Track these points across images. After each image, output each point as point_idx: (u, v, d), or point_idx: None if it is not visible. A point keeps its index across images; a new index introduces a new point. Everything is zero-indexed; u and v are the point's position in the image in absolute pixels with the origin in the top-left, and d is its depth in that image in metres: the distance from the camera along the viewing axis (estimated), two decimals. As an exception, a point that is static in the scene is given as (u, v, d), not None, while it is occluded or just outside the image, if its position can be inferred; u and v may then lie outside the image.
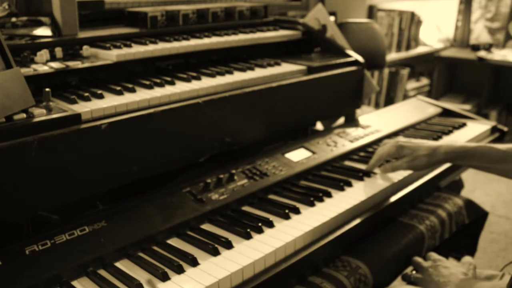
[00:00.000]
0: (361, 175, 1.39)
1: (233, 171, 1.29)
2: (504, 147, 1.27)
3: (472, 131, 1.81)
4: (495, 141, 1.87)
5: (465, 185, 2.08)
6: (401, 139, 1.40)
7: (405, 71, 3.72)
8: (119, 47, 1.34)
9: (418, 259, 1.31)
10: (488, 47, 4.13)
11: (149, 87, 1.28)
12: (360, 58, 1.74)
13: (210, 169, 1.31)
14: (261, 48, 1.68)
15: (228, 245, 1.04)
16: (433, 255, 1.31)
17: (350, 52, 1.77)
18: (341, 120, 1.89)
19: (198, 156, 1.32)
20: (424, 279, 1.25)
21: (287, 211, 1.17)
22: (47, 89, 1.07)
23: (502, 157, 1.26)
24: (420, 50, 3.94)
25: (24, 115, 0.99)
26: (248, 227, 1.10)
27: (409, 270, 1.32)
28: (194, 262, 0.98)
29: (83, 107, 1.10)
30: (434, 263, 1.26)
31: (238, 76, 1.43)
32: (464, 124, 1.88)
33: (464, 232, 1.67)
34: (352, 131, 1.68)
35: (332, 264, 1.21)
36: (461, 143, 1.33)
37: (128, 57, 1.31)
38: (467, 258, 1.29)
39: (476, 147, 1.29)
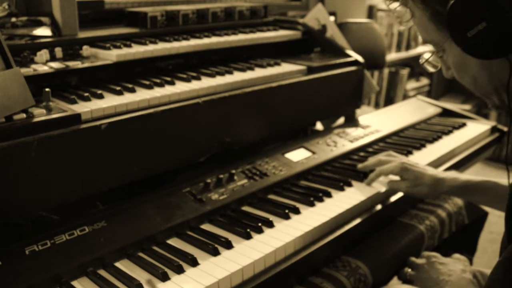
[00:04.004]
0: (361, 175, 1.38)
1: (233, 171, 1.29)
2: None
3: (472, 131, 1.81)
4: (495, 140, 1.87)
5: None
6: (406, 160, 1.34)
7: (405, 71, 3.72)
8: (119, 47, 1.34)
9: (413, 259, 1.31)
10: (488, 47, 4.13)
11: (149, 87, 1.27)
12: (360, 58, 1.74)
13: (210, 169, 1.31)
14: (261, 48, 1.68)
15: (228, 245, 1.04)
16: (426, 252, 1.31)
17: (350, 52, 1.77)
18: (341, 120, 1.89)
19: (198, 156, 1.32)
20: (420, 276, 1.25)
21: (287, 211, 1.17)
22: (47, 89, 1.07)
23: (507, 194, 1.22)
24: (420, 50, 3.93)
25: (24, 115, 0.99)
26: (248, 227, 1.10)
27: (405, 269, 1.32)
28: (194, 262, 0.98)
29: (83, 107, 1.10)
30: (428, 259, 1.27)
31: (238, 76, 1.43)
32: (464, 124, 1.88)
33: (464, 232, 1.67)
34: (352, 131, 1.68)
35: (332, 264, 1.22)
36: (466, 176, 1.28)
37: (128, 57, 1.31)
38: (456, 255, 1.29)
39: (480, 182, 1.25)
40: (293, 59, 1.66)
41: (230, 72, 1.45)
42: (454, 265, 1.23)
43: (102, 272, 0.96)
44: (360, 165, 1.40)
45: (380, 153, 1.44)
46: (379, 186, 1.34)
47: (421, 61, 1.02)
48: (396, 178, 1.34)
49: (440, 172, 1.31)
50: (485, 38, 0.79)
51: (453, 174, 1.30)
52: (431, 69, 1.03)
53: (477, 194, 1.26)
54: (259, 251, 1.02)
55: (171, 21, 1.54)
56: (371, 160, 1.39)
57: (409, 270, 1.30)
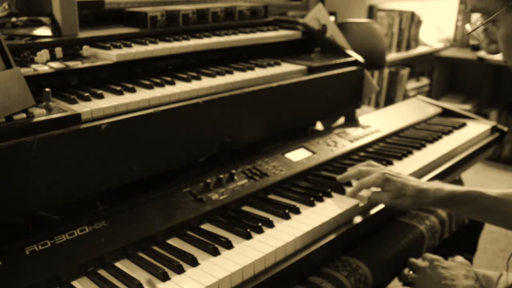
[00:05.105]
0: (361, 175, 1.38)
1: (233, 171, 1.29)
2: (495, 193, 1.18)
3: (472, 131, 1.81)
4: (495, 140, 1.87)
5: (465, 185, 2.08)
6: (387, 170, 1.26)
7: (405, 71, 3.72)
8: (119, 47, 1.34)
9: (414, 260, 1.31)
10: (488, 47, 4.13)
11: (149, 87, 1.27)
12: (360, 58, 1.74)
13: (210, 169, 1.31)
14: (261, 48, 1.68)
15: (228, 245, 1.04)
16: (429, 255, 1.30)
17: (350, 52, 1.77)
18: (341, 120, 1.89)
19: (198, 156, 1.32)
20: (422, 279, 1.25)
21: (287, 211, 1.17)
22: (47, 89, 1.07)
23: (493, 204, 1.17)
24: (420, 50, 3.93)
25: (24, 115, 0.99)
26: (248, 227, 1.10)
27: (406, 270, 1.32)
28: (194, 262, 0.98)
29: (83, 107, 1.10)
30: (430, 263, 1.26)
31: (238, 76, 1.43)
32: (464, 124, 1.88)
33: (464, 232, 1.68)
34: (352, 131, 1.68)
35: (332, 264, 1.22)
36: (450, 187, 1.21)
37: (128, 57, 1.31)
38: (458, 258, 1.29)
39: (466, 192, 1.19)
40: (293, 59, 1.66)
41: (230, 72, 1.45)
42: (456, 269, 1.22)
43: (102, 272, 0.96)
44: (339, 177, 1.32)
45: (359, 163, 1.35)
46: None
47: (466, 31, 0.93)
48: (377, 189, 1.27)
49: (423, 182, 1.24)
50: None
51: (437, 184, 1.23)
52: (474, 42, 0.96)
53: (462, 205, 1.20)
54: (259, 251, 1.02)
55: (171, 21, 1.54)
56: (351, 171, 1.31)
57: (411, 272, 1.29)
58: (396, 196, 1.21)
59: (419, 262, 1.30)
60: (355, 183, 1.30)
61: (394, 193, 1.21)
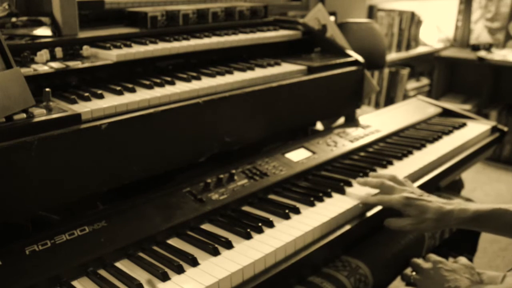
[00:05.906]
0: (361, 175, 1.38)
1: (233, 171, 1.29)
2: None
3: (472, 131, 1.81)
4: (495, 140, 1.87)
5: (465, 185, 2.08)
6: (409, 194, 1.22)
7: (405, 71, 3.72)
8: (119, 47, 1.34)
9: (418, 261, 1.31)
10: (488, 47, 4.13)
11: (149, 87, 1.27)
12: (360, 58, 1.74)
13: (210, 169, 1.31)
14: (261, 48, 1.68)
15: (228, 245, 1.04)
16: (433, 256, 1.30)
17: (350, 52, 1.77)
18: (341, 120, 1.89)
19: (198, 156, 1.32)
20: (424, 281, 1.24)
21: (287, 211, 1.17)
22: (47, 89, 1.07)
23: None
24: (420, 50, 3.94)
25: (24, 115, 0.99)
26: (248, 227, 1.10)
27: (408, 270, 1.32)
28: (194, 262, 0.98)
29: (83, 107, 1.10)
30: (434, 264, 1.26)
31: (238, 76, 1.43)
32: (464, 124, 1.88)
33: (465, 232, 1.68)
34: (352, 131, 1.68)
35: (332, 264, 1.22)
36: (474, 206, 1.19)
37: (128, 57, 1.31)
38: (462, 260, 1.29)
39: (490, 210, 1.17)
40: (293, 59, 1.66)
41: (230, 72, 1.45)
42: (460, 272, 1.21)
43: (102, 272, 0.96)
44: (361, 180, 1.31)
45: (384, 174, 1.33)
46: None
47: None
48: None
49: (445, 202, 1.21)
50: None
51: (460, 204, 1.20)
52: None
53: (487, 223, 1.18)
54: (259, 251, 1.02)
55: (171, 21, 1.54)
56: (373, 180, 1.29)
57: (414, 273, 1.29)
58: (417, 221, 1.19)
59: (422, 263, 1.29)
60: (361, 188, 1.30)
61: (415, 218, 1.20)
